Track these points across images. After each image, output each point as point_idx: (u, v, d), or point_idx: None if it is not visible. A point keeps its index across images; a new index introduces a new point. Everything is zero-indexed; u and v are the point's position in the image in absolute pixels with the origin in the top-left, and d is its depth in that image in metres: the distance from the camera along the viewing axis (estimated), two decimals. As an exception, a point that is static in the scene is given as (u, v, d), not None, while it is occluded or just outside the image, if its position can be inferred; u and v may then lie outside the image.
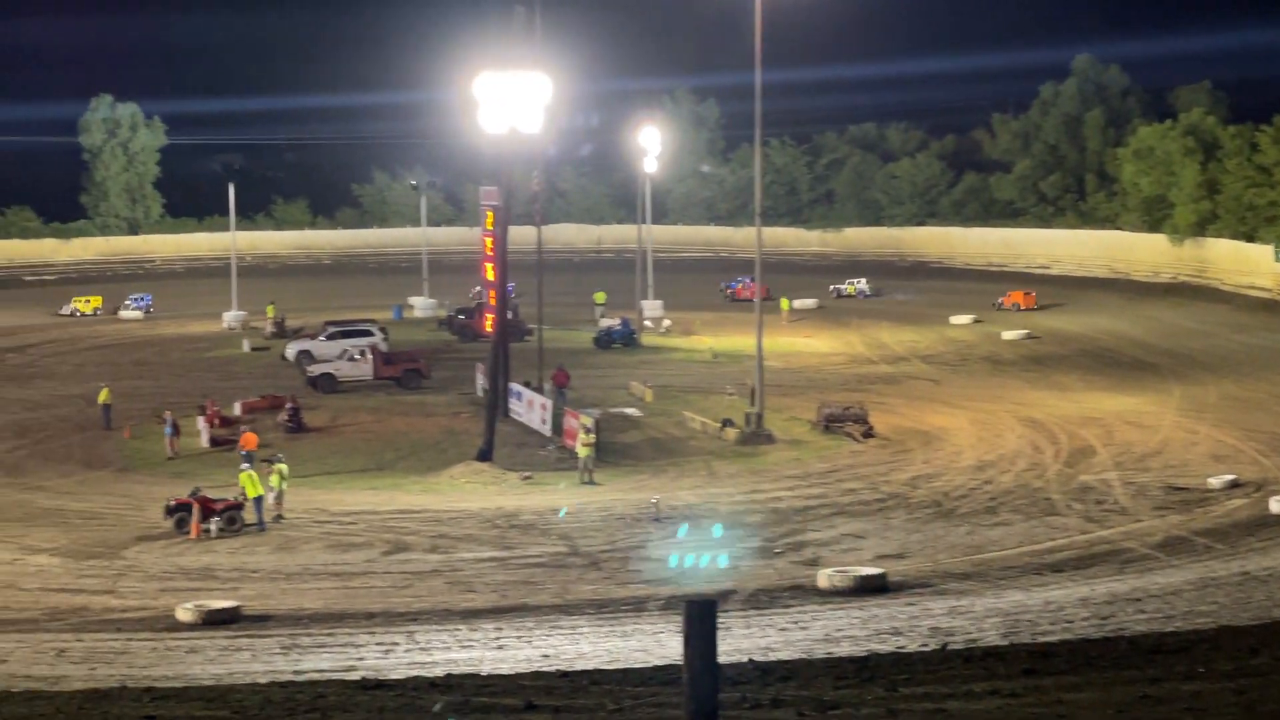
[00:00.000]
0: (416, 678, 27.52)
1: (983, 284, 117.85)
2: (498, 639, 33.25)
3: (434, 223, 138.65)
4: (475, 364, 72.11)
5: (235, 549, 44.10)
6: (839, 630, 33.27)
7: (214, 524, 45.50)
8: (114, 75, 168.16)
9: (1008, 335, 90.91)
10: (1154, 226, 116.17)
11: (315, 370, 74.40)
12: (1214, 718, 18.38)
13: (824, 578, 37.93)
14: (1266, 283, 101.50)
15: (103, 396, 65.61)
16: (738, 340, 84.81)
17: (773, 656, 29.18)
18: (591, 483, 53.08)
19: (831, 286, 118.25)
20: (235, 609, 35.68)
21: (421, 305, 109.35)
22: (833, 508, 48.75)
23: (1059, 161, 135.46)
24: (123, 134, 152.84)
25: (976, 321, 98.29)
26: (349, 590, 39.01)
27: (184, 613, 35.28)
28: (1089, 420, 63.48)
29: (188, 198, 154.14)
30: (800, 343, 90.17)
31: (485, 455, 55.89)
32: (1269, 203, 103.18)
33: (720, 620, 15.73)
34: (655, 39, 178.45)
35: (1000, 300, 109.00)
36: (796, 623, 34.33)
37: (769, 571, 40.48)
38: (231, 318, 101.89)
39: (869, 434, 60.78)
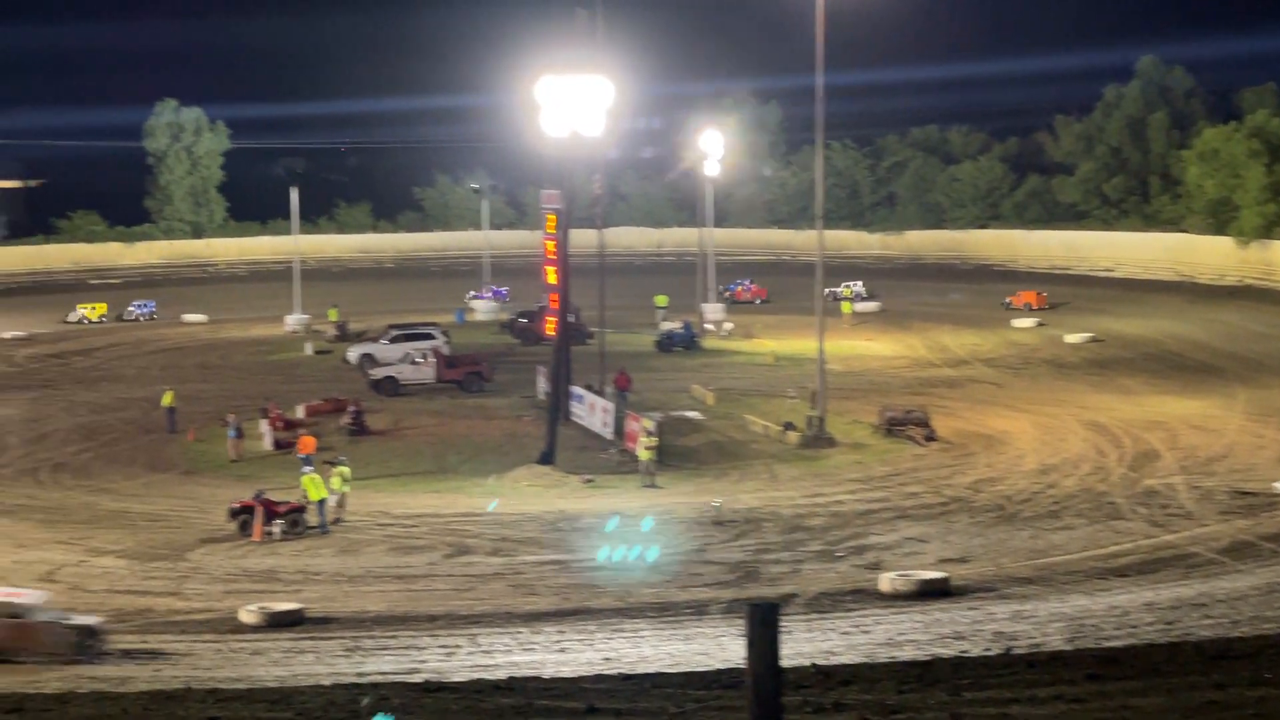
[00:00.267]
0: (479, 680, 27.60)
1: (1045, 287, 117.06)
2: (560, 642, 33.31)
3: (495, 226, 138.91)
4: (537, 367, 72.15)
5: (298, 551, 44.29)
6: (901, 634, 33.19)
7: (277, 526, 45.71)
8: (178, 80, 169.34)
9: (1071, 338, 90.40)
10: (1219, 229, 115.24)
11: (378, 373, 74.62)
12: (1281, 724, 18.26)
13: (886, 581, 37.84)
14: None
15: (167, 400, 65.96)
16: (799, 343, 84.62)
17: (835, 660, 29.13)
18: (653, 486, 53.06)
19: (827, 290, 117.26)
20: (299, 611, 35.85)
21: (483, 309, 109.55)
22: (895, 511, 48.60)
23: (1122, 164, 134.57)
24: (187, 138, 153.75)
25: (1040, 324, 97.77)
26: (411, 593, 39.14)
27: (248, 615, 35.48)
28: (1153, 424, 63.05)
29: (251, 201, 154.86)
30: (862, 346, 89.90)
31: (547, 458, 55.93)
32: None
33: (782, 624, 15.66)
34: (717, 42, 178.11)
35: (1009, 299, 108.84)
36: (859, 626, 34.27)
37: (831, 575, 40.42)
38: (294, 321, 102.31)
39: (931, 437, 60.55)
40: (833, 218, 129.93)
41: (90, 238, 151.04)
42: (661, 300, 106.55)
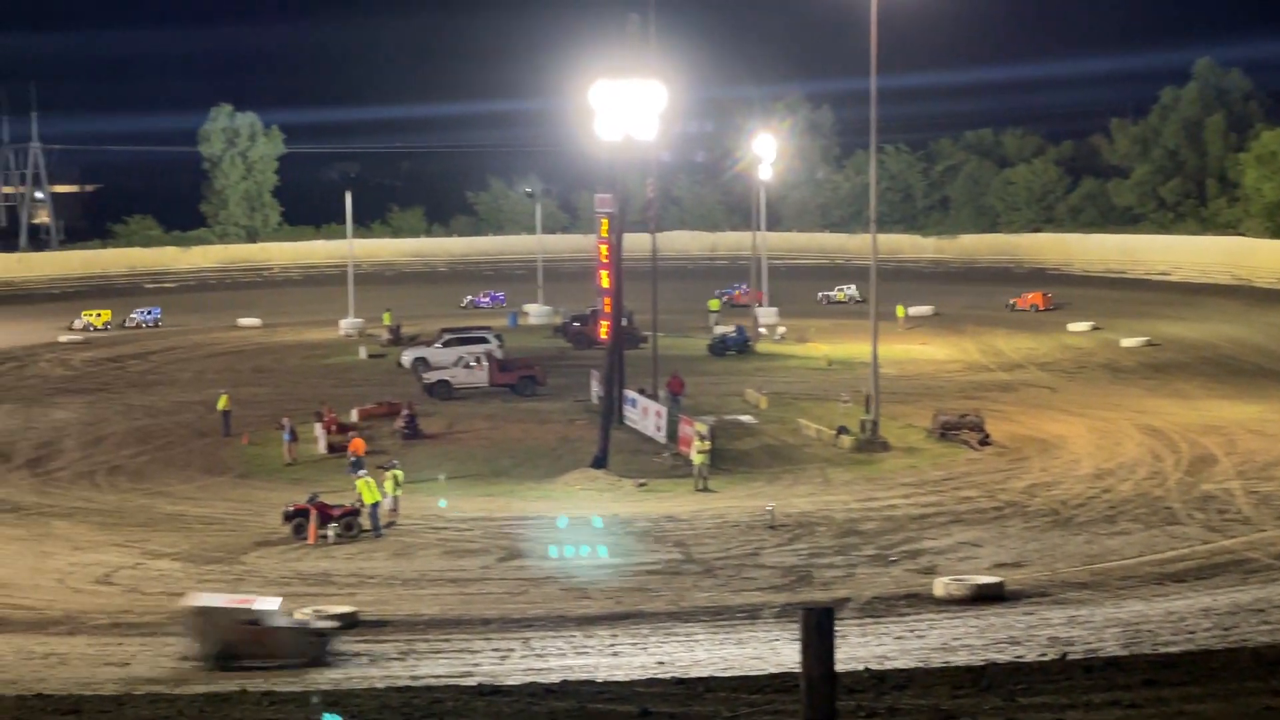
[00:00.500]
0: (532, 684, 27.63)
1: (1101, 291, 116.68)
2: (613, 646, 33.31)
3: (549, 230, 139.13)
4: (590, 371, 72.21)
5: (352, 554, 44.41)
6: (956, 639, 33.06)
7: (331, 529, 45.85)
8: (234, 85, 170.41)
9: (1127, 342, 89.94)
10: (1277, 232, 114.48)
11: (431, 377, 74.79)
12: (1340, 731, 18.11)
13: (940, 586, 37.72)
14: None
15: (222, 403, 66.24)
16: (853, 347, 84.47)
17: (889, 665, 29.04)
18: (707, 490, 53.01)
19: (820, 294, 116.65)
20: (352, 614, 35.94)
21: (536, 313, 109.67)
22: (949, 515, 48.42)
23: (1179, 167, 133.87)
24: (242, 143, 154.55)
25: (1095, 328, 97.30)
26: (465, 596, 39.21)
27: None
28: (1210, 428, 62.64)
29: (305, 206, 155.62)
30: (916, 350, 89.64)
31: (600, 462, 55.95)
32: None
33: (836, 628, 15.63)
34: (770, 45, 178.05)
35: (1014, 301, 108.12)
36: (913, 631, 34.17)
37: (884, 579, 40.31)
38: (348, 325, 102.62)
39: (985, 441, 60.31)
40: (886, 221, 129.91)
41: (146, 242, 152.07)
42: (714, 304, 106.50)
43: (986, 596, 37.03)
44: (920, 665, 29.36)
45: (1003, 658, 30.39)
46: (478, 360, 74.95)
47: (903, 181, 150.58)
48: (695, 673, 29.40)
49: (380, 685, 28.83)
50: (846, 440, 60.32)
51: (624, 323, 69.89)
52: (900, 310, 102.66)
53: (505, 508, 50.64)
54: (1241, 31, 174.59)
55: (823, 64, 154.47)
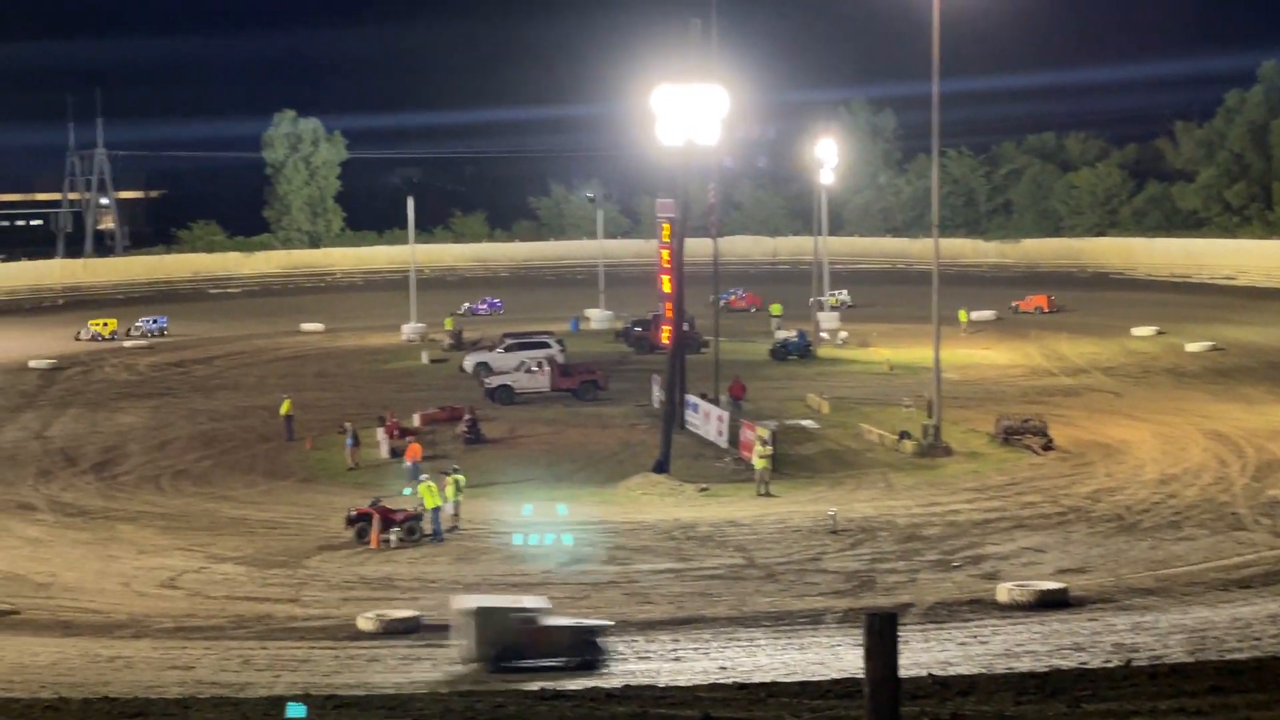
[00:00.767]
0: (594, 688, 27.65)
1: (1165, 295, 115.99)
2: (675, 650, 33.29)
3: (610, 235, 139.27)
4: (651, 376, 72.22)
5: (415, 559, 44.53)
6: (1019, 645, 32.92)
7: (394, 534, 45.98)
8: (296, 91, 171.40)
9: (1191, 347, 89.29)
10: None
11: (493, 382, 74.94)
12: None
13: (1004, 592, 37.55)
14: None
15: (285, 408, 66.53)
16: (915, 352, 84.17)
17: (952, 671, 28.93)
18: (768, 494, 52.94)
19: (812, 299, 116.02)
20: (415, 619, 36.03)
21: (598, 317, 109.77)
22: (1012, 521, 48.19)
23: (1244, 170, 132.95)
24: (305, 149, 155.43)
25: (1159, 333, 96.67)
26: (527, 601, 39.21)
27: (365, 622, 35.71)
28: (1276, 433, 62.09)
29: (368, 211, 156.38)
30: (978, 355, 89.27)
31: (662, 467, 55.93)
32: None
33: (899, 634, 15.57)
34: (831, 50, 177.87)
35: (1017, 304, 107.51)
36: (976, 637, 34.02)
37: (947, 585, 40.16)
38: (410, 330, 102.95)
39: (1049, 447, 59.99)
40: (948, 226, 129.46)
41: (210, 248, 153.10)
42: (776, 309, 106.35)
43: (1050, 602, 36.84)
44: (984, 671, 29.24)
45: (1067, 664, 30.23)
46: (539, 365, 75.07)
47: (965, 185, 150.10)
48: (757, 678, 29.35)
49: (443, 690, 28.89)
50: (909, 445, 60.13)
51: (685, 327, 69.94)
52: (963, 315, 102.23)
53: (568, 512, 50.62)
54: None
55: (885, 68, 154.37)
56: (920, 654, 31.32)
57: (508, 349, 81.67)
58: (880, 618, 15.68)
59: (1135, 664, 28.64)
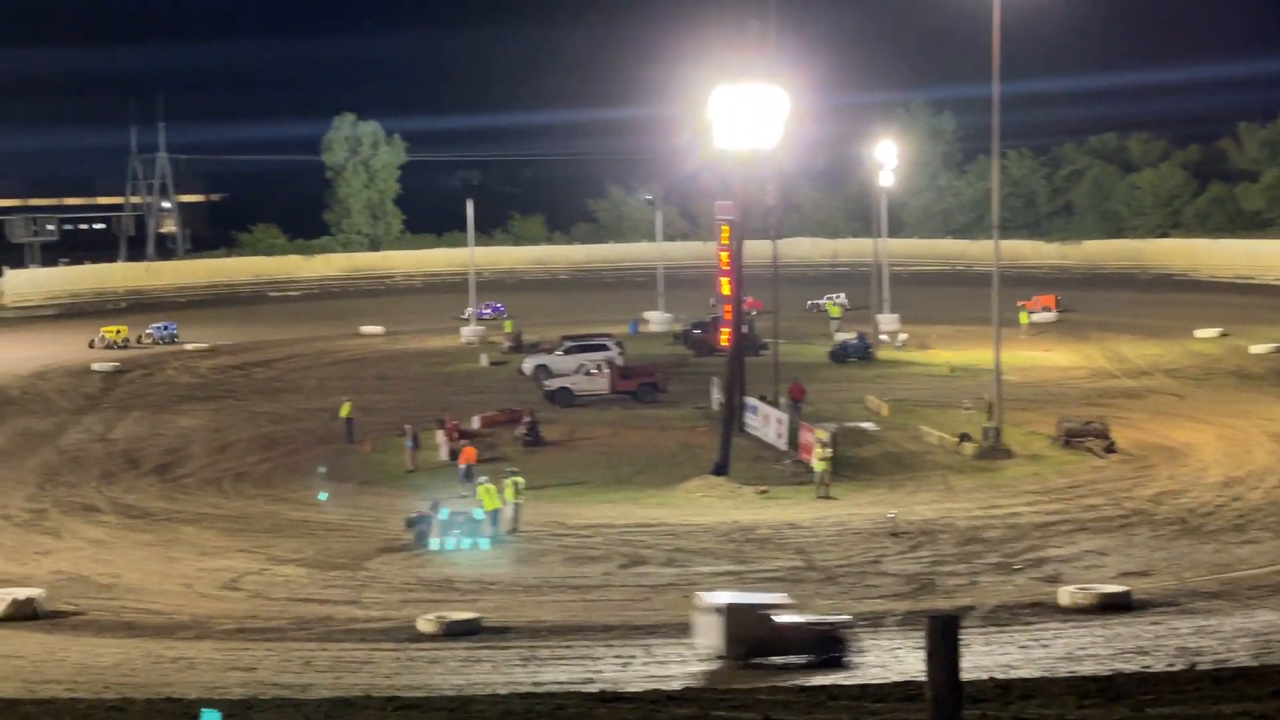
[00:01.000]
0: (654, 691, 27.65)
1: (1228, 296, 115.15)
2: (735, 653, 33.20)
3: (669, 237, 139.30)
4: (711, 378, 72.15)
5: (474, 561, 44.60)
6: (1082, 649, 32.75)
7: (454, 535, 46.02)
8: (356, 94, 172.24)
9: (1255, 349, 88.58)
10: None
11: (552, 384, 75.02)
12: None
13: (1066, 595, 37.36)
14: None
15: (345, 410, 66.74)
16: (975, 354, 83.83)
17: (1014, 674, 28.79)
18: (828, 497, 52.82)
19: (810, 302, 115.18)
20: (475, 620, 36.10)
21: (657, 320, 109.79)
22: (1073, 524, 47.93)
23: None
24: (364, 152, 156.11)
25: (1223, 335, 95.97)
26: (587, 603, 39.25)
27: (425, 624, 35.80)
28: (1342, 436, 61.64)
29: (427, 214, 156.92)
30: (1039, 356, 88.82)
31: (721, 469, 55.88)
32: None
33: (960, 637, 15.51)
34: (891, 51, 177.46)
35: (1022, 304, 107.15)
36: (1037, 640, 33.86)
37: (1008, 588, 39.98)
38: (470, 332, 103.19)
39: (1111, 449, 59.64)
40: (1009, 227, 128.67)
41: (270, 250, 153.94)
42: (835, 311, 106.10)
43: (1113, 605, 36.63)
44: (1045, 675, 29.09)
45: (1130, 668, 30.06)
46: (599, 367, 75.11)
47: (1025, 187, 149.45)
48: (818, 681, 29.30)
49: (503, 691, 28.93)
50: (969, 447, 59.91)
51: (744, 329, 69.83)
52: (1023, 317, 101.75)
53: (627, 515, 50.68)
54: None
55: (945, 69, 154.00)
56: (981, 657, 31.16)
57: (567, 351, 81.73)
58: (942, 620, 15.63)
59: (1199, 668, 28.48)
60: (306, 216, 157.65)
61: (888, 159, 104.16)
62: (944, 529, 47.31)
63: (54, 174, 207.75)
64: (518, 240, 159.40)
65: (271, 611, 38.96)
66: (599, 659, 32.82)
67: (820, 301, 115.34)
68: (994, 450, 59.48)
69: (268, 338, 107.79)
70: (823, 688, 27.23)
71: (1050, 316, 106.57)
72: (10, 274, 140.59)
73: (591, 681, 30.21)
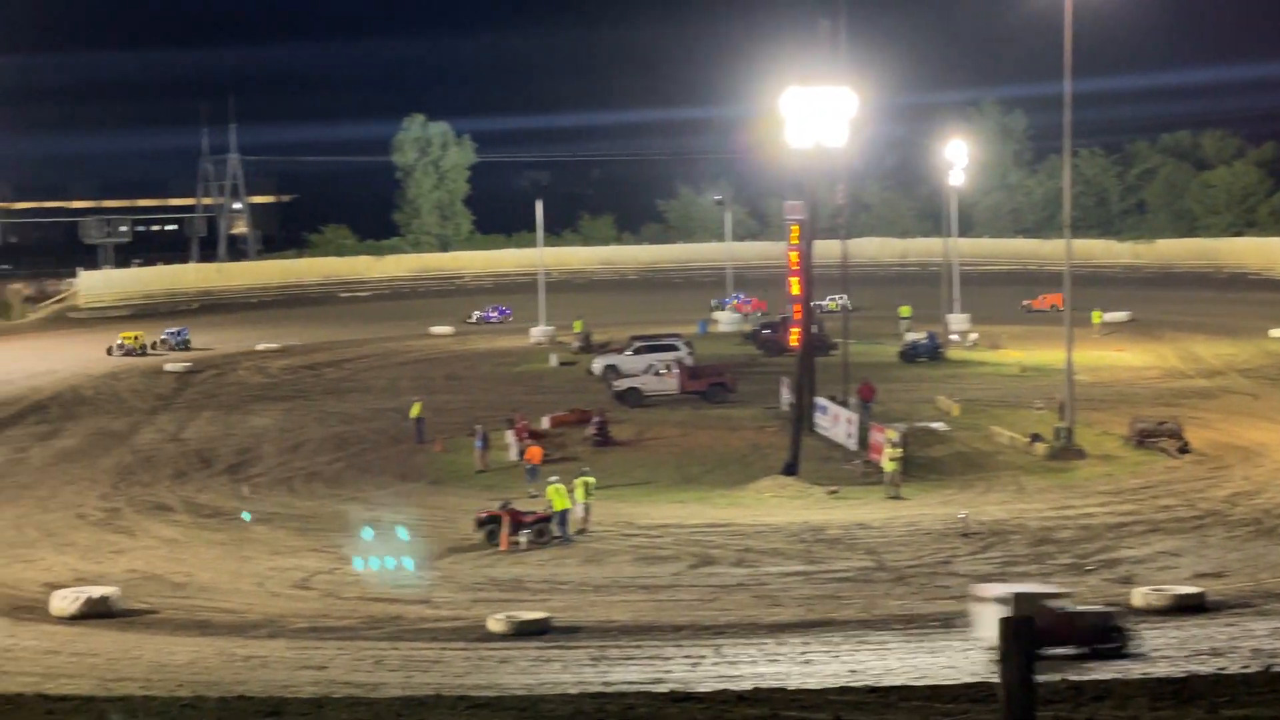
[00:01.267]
0: (724, 691, 27.62)
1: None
2: (804, 653, 33.17)
3: (738, 237, 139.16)
4: (780, 378, 72.04)
5: (544, 561, 44.67)
6: (1155, 650, 32.50)
7: (523, 536, 46.14)
8: (426, 94, 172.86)
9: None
10: None
11: (621, 384, 75.07)
12: None
13: (1139, 596, 37.11)
14: None
15: (415, 410, 66.95)
16: (1046, 354, 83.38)
17: (1087, 676, 28.59)
18: (898, 497, 52.66)
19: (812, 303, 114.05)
20: (545, 620, 36.17)
21: (726, 320, 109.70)
22: (1147, 524, 47.60)
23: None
24: (434, 152, 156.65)
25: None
26: (656, 603, 39.26)
27: (495, 623, 35.89)
28: None
29: (496, 214, 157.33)
30: (1111, 356, 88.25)
31: (791, 469, 55.80)
32: None
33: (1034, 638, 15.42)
34: (961, 50, 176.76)
35: (1029, 302, 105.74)
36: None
37: (1081, 588, 39.73)
38: (539, 333, 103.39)
39: (1184, 449, 59.19)
40: (1080, 226, 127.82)
41: (340, 251, 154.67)
42: (905, 311, 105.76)
43: (1187, 607, 36.39)
44: (1118, 676, 28.87)
45: (1204, 670, 29.83)
46: (668, 367, 75.12)
47: (1097, 185, 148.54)
48: (888, 681, 29.20)
49: (573, 691, 28.96)
50: (1041, 447, 59.58)
51: (814, 330, 69.66)
52: (1096, 316, 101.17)
53: (696, 515, 50.67)
54: None
55: (1015, 68, 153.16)
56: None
57: (636, 352, 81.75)
58: (1016, 621, 15.54)
59: (1275, 670, 28.22)
60: (376, 217, 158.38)
61: (958, 158, 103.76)
62: (1015, 530, 47.08)
63: (127, 176, 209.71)
64: (587, 241, 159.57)
65: (343, 610, 39.16)
66: (669, 659, 32.83)
67: (823, 302, 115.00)
68: (1066, 450, 59.14)
69: (338, 338, 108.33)
70: (894, 688, 27.12)
71: (1123, 316, 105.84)
72: (84, 275, 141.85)
73: (661, 681, 30.21)
